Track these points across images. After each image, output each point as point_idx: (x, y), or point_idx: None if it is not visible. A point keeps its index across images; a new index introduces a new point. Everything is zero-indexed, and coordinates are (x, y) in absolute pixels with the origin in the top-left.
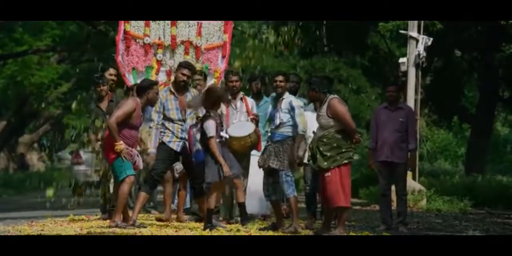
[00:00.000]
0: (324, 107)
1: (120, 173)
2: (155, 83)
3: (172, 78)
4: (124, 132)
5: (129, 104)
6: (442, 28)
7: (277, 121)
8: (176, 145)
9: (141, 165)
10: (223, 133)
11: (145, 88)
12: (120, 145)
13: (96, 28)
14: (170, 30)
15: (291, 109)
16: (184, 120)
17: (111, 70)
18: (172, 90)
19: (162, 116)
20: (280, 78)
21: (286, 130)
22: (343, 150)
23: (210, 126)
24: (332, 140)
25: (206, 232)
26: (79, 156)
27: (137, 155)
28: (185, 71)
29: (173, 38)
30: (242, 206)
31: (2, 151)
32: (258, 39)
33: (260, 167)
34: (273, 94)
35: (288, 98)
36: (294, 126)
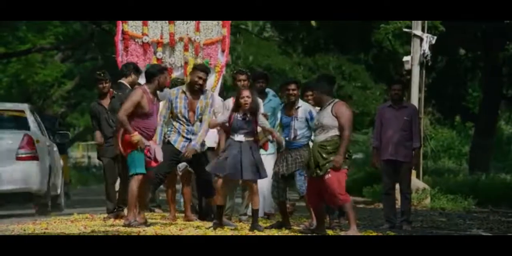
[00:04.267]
0: (329, 107)
1: (130, 169)
2: (165, 68)
3: (187, 79)
4: (139, 123)
5: (135, 93)
6: (444, 31)
7: (292, 133)
8: (181, 146)
9: (160, 157)
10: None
11: (155, 73)
12: (135, 135)
13: (100, 27)
14: (168, 28)
15: (310, 119)
16: (190, 121)
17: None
18: (185, 90)
19: (169, 113)
20: (292, 86)
21: (303, 140)
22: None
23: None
24: (334, 146)
25: (210, 231)
26: None
27: (155, 150)
28: (201, 74)
29: (172, 35)
30: (256, 212)
31: None
32: (262, 37)
33: (282, 175)
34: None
35: (304, 106)
36: (310, 135)
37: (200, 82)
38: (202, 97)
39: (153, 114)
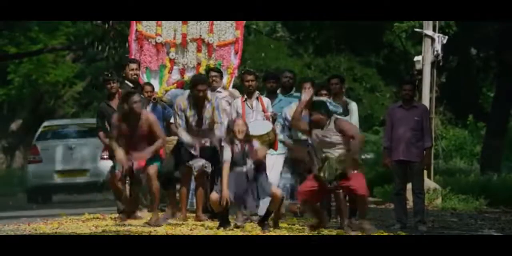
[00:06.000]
0: (331, 125)
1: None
2: (131, 93)
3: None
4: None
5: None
6: (457, 30)
7: None
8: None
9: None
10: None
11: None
12: None
13: (112, 27)
14: (181, 29)
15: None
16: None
17: (133, 65)
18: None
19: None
20: (308, 85)
21: None
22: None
23: (225, 151)
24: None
25: (221, 231)
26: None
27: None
28: (200, 87)
29: (185, 36)
30: (269, 214)
31: (18, 149)
32: (273, 37)
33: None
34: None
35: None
36: None
37: (200, 94)
38: (208, 105)
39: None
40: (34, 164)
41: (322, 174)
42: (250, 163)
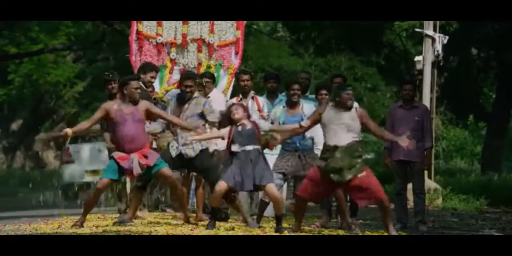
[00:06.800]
0: (353, 110)
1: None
2: (132, 78)
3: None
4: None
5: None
6: (457, 27)
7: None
8: (173, 151)
9: (136, 171)
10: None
11: (122, 84)
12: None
13: (112, 27)
14: (182, 29)
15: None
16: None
17: (152, 73)
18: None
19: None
20: (296, 86)
21: (310, 141)
22: (363, 157)
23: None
24: (355, 149)
25: (222, 231)
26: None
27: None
28: (188, 83)
29: (185, 36)
30: (279, 218)
31: (18, 149)
32: (273, 37)
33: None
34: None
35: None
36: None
37: (188, 90)
38: (190, 104)
39: (123, 124)
40: (67, 164)
41: (329, 165)
42: (254, 146)
